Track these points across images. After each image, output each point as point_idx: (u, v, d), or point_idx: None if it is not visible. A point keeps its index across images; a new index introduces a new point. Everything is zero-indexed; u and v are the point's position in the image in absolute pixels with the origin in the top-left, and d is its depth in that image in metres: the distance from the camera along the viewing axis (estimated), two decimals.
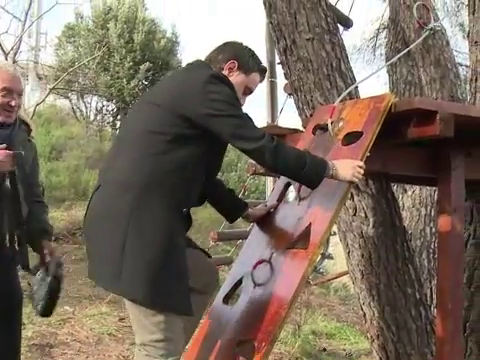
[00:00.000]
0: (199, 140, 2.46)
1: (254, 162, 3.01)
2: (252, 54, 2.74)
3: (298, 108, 3.54)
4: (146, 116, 2.53)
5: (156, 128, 2.45)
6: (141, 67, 15.00)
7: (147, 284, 2.34)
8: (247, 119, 2.48)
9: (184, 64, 4.24)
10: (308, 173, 2.49)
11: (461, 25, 10.04)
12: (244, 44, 2.79)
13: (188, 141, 2.44)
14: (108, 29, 15.11)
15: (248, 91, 2.73)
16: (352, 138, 2.75)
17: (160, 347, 2.40)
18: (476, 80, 4.03)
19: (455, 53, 9.61)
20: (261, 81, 2.80)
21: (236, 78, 2.64)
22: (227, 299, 2.86)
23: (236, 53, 2.69)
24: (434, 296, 3.88)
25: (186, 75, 2.63)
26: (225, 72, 2.64)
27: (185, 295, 2.44)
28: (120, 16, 15.50)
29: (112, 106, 16.17)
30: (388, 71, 4.82)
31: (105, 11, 15.83)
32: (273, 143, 2.44)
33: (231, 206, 2.98)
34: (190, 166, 2.46)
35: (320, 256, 7.23)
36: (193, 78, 2.52)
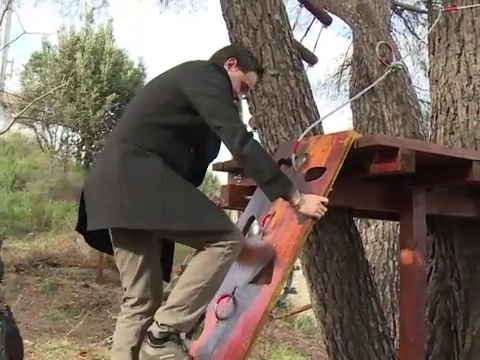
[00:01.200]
0: (184, 112, 2.61)
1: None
2: (251, 55, 2.98)
3: (262, 143, 3.58)
4: (150, 90, 2.81)
5: (153, 95, 2.70)
6: (107, 98, 14.99)
7: (153, 210, 2.45)
8: (230, 106, 2.61)
9: None
10: (276, 181, 2.54)
11: (423, 63, 10.29)
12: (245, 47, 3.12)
13: (176, 110, 2.62)
14: (75, 59, 15.10)
15: (245, 87, 2.90)
16: (315, 173, 2.78)
17: (225, 238, 2.49)
18: (437, 117, 4.12)
19: (417, 90, 9.84)
20: (258, 80, 3.01)
21: (234, 73, 2.82)
22: (190, 333, 2.83)
23: (237, 52, 2.94)
24: (397, 330, 3.90)
25: (189, 62, 2.82)
26: (225, 67, 2.83)
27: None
28: (87, 47, 15.51)
29: (77, 136, 16.09)
30: (352, 107, 4.91)
31: (73, 41, 15.84)
32: (248, 134, 2.55)
33: None
34: (175, 131, 2.62)
35: (283, 290, 7.24)
36: (194, 64, 2.77)
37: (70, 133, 16.04)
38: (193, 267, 2.53)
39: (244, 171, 2.95)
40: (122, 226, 2.51)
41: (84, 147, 15.83)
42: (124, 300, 2.67)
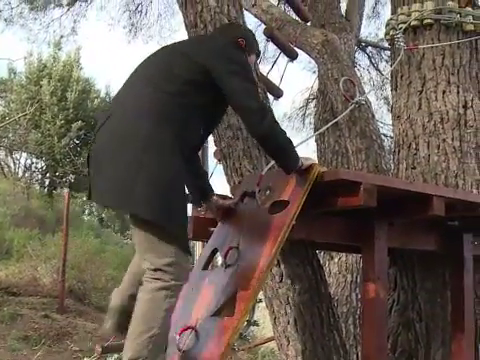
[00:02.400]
0: (208, 89, 2.65)
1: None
2: (254, 37, 3.06)
3: (227, 175, 3.59)
4: (168, 59, 2.74)
5: (175, 70, 2.64)
6: (73, 126, 14.92)
7: (161, 204, 2.41)
8: (255, 86, 2.76)
9: None
10: (291, 156, 2.72)
11: (386, 98, 10.51)
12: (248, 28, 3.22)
13: (198, 88, 2.63)
14: (41, 86, 15.01)
15: None
16: (279, 207, 2.80)
17: (171, 272, 2.45)
18: (399, 152, 4.21)
19: (380, 125, 10.08)
20: (256, 63, 3.18)
21: None
22: None
23: (244, 33, 3.02)
24: None
25: (209, 38, 2.94)
26: None
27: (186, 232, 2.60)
28: (54, 74, 15.46)
29: (42, 164, 15.93)
30: (316, 140, 4.98)
31: (40, 68, 15.78)
32: (273, 117, 2.71)
33: (202, 186, 3.12)
34: (195, 110, 2.63)
35: (246, 322, 7.20)
36: (217, 40, 2.86)
37: (34, 160, 15.90)
38: (139, 316, 2.48)
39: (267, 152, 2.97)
40: (132, 212, 2.51)
41: (48, 175, 15.67)
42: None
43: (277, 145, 2.70)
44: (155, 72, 2.69)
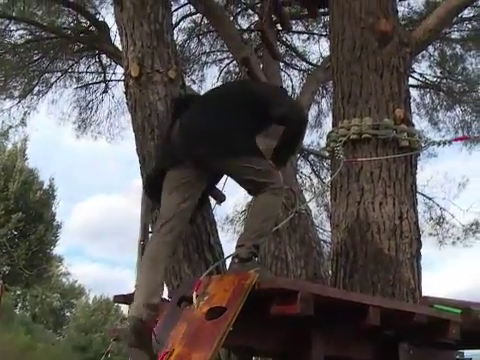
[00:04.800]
0: None
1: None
2: None
3: (166, 278, 3.57)
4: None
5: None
6: (13, 216, 14.61)
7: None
8: None
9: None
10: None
11: (326, 205, 10.75)
12: None
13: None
14: None
15: None
16: (216, 313, 2.79)
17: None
18: (337, 260, 4.28)
19: (320, 231, 10.26)
20: None
21: None
22: None
23: None
24: None
25: None
26: None
27: None
28: None
29: None
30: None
31: None
32: None
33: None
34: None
35: None
36: None
37: None
38: None
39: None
40: None
41: None
42: None
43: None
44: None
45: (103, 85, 10.67)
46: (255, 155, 3.21)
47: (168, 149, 3.36)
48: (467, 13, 8.75)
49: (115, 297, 3.51)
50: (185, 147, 3.21)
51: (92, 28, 9.26)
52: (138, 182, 3.72)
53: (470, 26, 9.30)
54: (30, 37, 9.54)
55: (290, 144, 3.46)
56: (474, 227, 10.77)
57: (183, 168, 3.23)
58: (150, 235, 8.37)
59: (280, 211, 4.33)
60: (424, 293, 4.26)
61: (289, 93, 3.55)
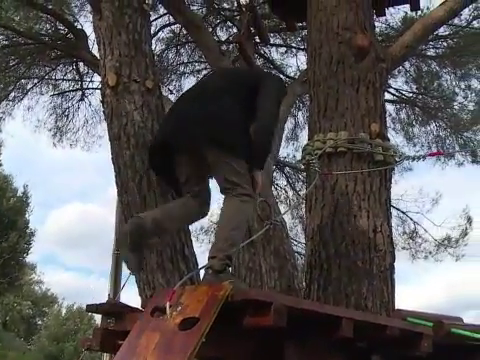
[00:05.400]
0: None
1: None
2: None
3: (139, 287, 3.56)
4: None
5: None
6: None
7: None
8: None
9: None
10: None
11: (301, 217, 10.79)
12: None
13: None
14: None
15: None
16: (189, 323, 2.78)
17: None
18: (311, 272, 4.30)
19: (295, 243, 10.29)
20: None
21: None
22: None
23: None
24: None
25: None
26: None
27: None
28: None
29: None
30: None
31: None
32: None
33: None
34: None
35: None
36: None
37: None
38: None
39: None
40: None
41: None
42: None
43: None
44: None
45: (80, 93, 10.63)
46: (243, 157, 3.28)
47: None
48: (443, 31, 8.90)
49: (88, 306, 3.48)
50: (184, 129, 3.28)
51: (70, 35, 9.21)
52: (113, 191, 3.72)
53: (445, 44, 9.45)
54: (7, 42, 9.47)
55: (258, 148, 3.45)
56: (446, 242, 10.88)
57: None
58: None
59: (255, 222, 4.35)
60: (397, 306, 4.30)
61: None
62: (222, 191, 3.29)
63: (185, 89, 5.81)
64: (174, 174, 3.41)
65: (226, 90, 3.48)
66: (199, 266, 3.56)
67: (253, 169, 3.36)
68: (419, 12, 8.12)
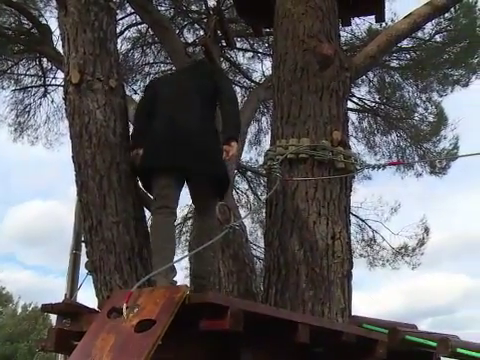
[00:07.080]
0: None
1: None
2: None
3: (96, 288, 3.53)
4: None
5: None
6: None
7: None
8: None
9: None
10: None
11: (261, 222, 10.81)
12: None
13: None
14: None
15: None
16: (146, 325, 2.76)
17: None
18: (269, 277, 4.32)
19: (254, 247, 10.30)
20: None
21: None
22: None
23: None
24: None
25: None
26: None
27: None
28: None
29: None
30: (190, 259, 5.00)
31: None
32: None
33: None
34: None
35: None
36: None
37: None
38: None
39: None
40: None
41: None
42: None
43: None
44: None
45: (42, 89, 10.47)
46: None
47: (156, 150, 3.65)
48: (406, 43, 9.05)
49: (43, 306, 3.43)
50: (172, 155, 3.55)
51: (34, 30, 9.07)
52: (74, 189, 3.65)
53: (408, 56, 9.60)
54: None
55: (234, 116, 3.81)
56: (403, 250, 11.04)
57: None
58: (82, 244, 8.25)
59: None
60: (354, 312, 4.35)
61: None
62: (200, 211, 3.88)
63: None
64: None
65: (197, 91, 3.81)
66: None
67: (229, 139, 3.63)
68: (384, 24, 8.25)
